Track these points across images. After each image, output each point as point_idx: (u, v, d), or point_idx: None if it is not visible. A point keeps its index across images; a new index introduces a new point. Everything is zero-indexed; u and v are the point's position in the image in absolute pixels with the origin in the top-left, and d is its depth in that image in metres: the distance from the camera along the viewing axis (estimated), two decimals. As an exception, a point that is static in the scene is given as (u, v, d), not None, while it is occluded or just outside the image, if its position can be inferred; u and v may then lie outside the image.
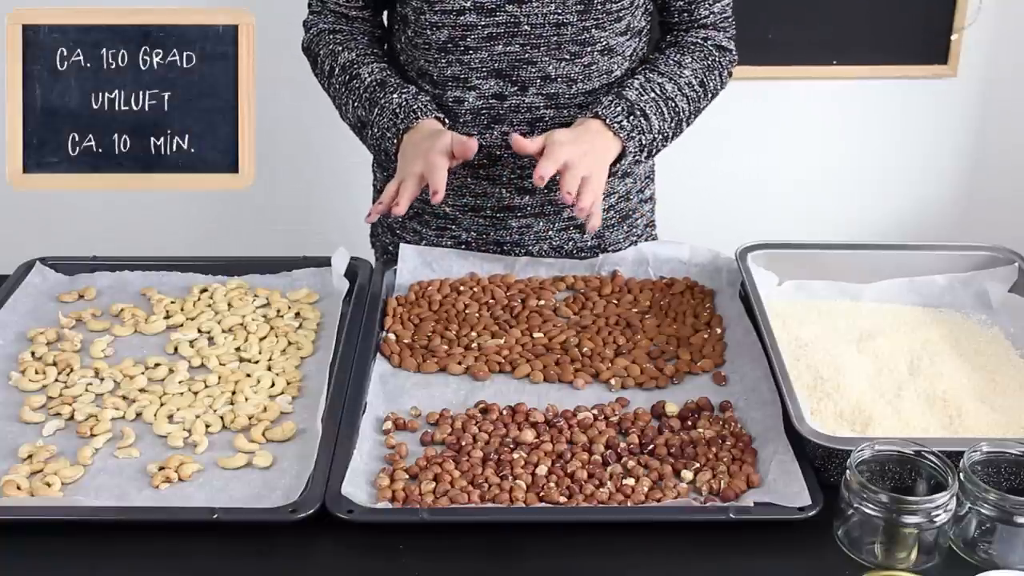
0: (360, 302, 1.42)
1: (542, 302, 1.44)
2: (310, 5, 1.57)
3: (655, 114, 1.45)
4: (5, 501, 1.10)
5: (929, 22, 2.51)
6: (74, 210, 2.62)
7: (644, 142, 1.45)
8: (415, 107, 1.43)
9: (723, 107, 2.56)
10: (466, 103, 1.47)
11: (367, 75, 1.47)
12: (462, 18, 1.43)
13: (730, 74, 1.56)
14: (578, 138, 1.37)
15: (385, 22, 1.58)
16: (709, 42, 1.52)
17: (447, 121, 1.45)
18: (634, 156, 1.44)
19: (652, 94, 1.45)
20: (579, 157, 1.34)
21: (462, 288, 1.46)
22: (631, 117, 1.42)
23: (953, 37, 2.52)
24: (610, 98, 1.44)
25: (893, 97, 2.61)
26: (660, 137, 1.47)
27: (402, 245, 1.52)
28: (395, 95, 1.44)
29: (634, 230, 1.63)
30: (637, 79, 1.47)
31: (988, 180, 2.73)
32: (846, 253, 1.48)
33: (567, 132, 1.38)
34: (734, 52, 1.56)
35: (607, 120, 1.41)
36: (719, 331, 1.38)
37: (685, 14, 1.52)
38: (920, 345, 1.34)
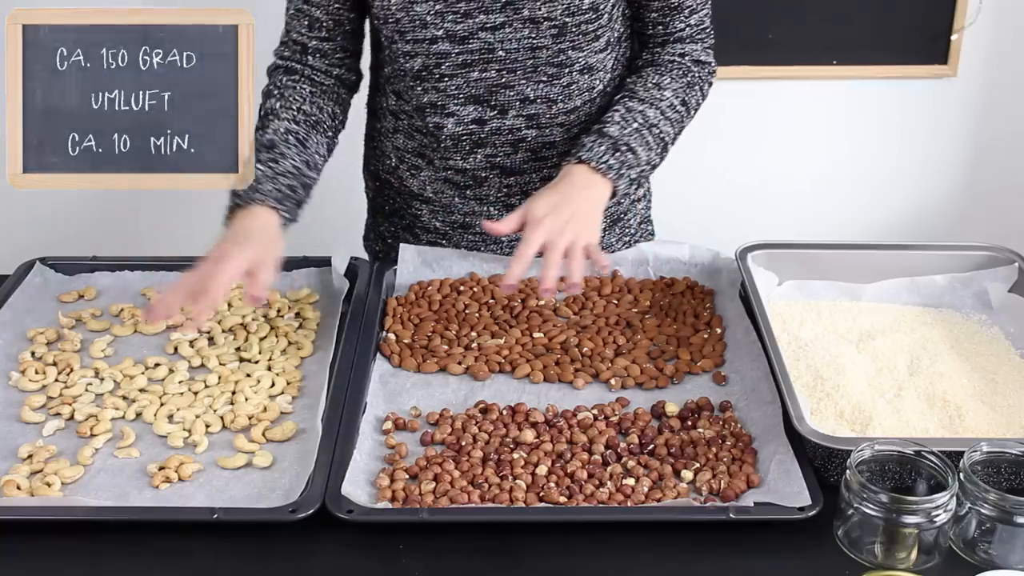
0: (360, 302, 1.42)
1: (542, 302, 1.44)
2: (281, 34, 1.51)
3: (641, 145, 1.40)
4: (5, 501, 1.10)
5: (929, 22, 2.51)
6: (74, 210, 2.62)
7: (633, 176, 1.40)
8: (261, 188, 1.34)
9: (723, 107, 2.57)
10: (445, 129, 1.46)
11: (271, 131, 1.42)
12: (435, 47, 1.40)
13: (710, 85, 1.51)
14: (559, 204, 1.31)
15: (356, 47, 1.51)
16: (687, 58, 1.47)
17: (289, 217, 1.36)
18: (626, 189, 1.40)
19: (635, 124, 1.40)
20: (559, 230, 1.28)
21: (462, 288, 1.46)
22: (616, 154, 1.37)
23: (953, 37, 2.52)
24: (592, 137, 1.39)
25: (893, 97, 2.61)
26: (649, 167, 1.43)
27: (402, 245, 1.52)
28: (260, 165, 1.37)
29: (627, 230, 1.62)
30: (618, 111, 1.42)
31: (988, 180, 2.73)
32: (846, 253, 1.48)
33: (547, 199, 1.32)
34: (713, 64, 1.50)
35: (592, 163, 1.36)
36: (719, 331, 1.38)
37: (660, 27, 1.47)
38: (920, 345, 1.34)
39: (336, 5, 1.44)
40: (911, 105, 2.63)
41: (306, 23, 1.46)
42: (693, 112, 1.49)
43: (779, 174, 2.71)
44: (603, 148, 1.37)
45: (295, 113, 1.45)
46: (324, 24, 1.45)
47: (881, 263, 1.46)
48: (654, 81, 1.45)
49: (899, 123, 2.65)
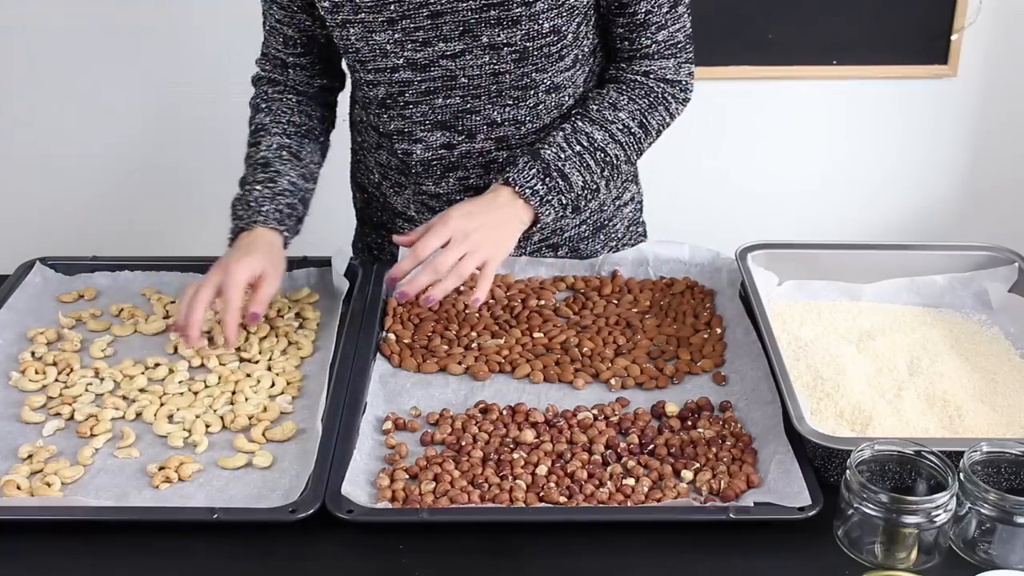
0: (360, 302, 1.42)
1: (542, 302, 1.44)
2: (262, 44, 1.51)
3: (578, 170, 1.37)
4: (5, 501, 1.10)
5: (929, 22, 2.51)
6: (74, 210, 2.62)
7: (565, 201, 1.37)
8: (262, 209, 1.37)
9: (723, 107, 2.58)
10: (414, 155, 1.45)
11: (264, 147, 1.43)
12: (397, 75, 1.39)
13: (684, 102, 1.46)
14: (474, 212, 1.31)
15: (335, 57, 1.51)
16: (652, 77, 1.43)
17: (290, 235, 1.40)
18: (556, 216, 1.38)
19: (577, 148, 1.38)
20: (465, 233, 1.28)
21: (462, 288, 1.46)
22: (547, 179, 1.35)
23: (953, 37, 2.52)
24: (525, 159, 1.37)
25: (893, 97, 2.62)
26: (588, 191, 1.40)
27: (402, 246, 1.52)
28: (258, 186, 1.39)
29: (613, 234, 1.60)
30: (562, 131, 1.39)
31: (988, 180, 2.73)
32: (846, 253, 1.48)
33: (464, 206, 1.32)
34: (686, 81, 1.45)
35: (517, 187, 1.34)
36: (719, 331, 1.38)
37: (626, 43, 1.42)
38: (920, 345, 1.34)
39: (307, 23, 1.43)
40: (911, 105, 2.63)
41: (281, 40, 1.47)
42: (655, 133, 1.45)
43: (779, 174, 2.71)
44: (532, 172, 1.36)
45: (285, 126, 1.46)
46: (298, 41, 1.46)
47: (881, 263, 1.46)
48: (611, 100, 1.42)
49: (899, 123, 2.66)
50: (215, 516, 1.07)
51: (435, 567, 1.05)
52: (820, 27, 2.51)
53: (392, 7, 1.34)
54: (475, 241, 1.28)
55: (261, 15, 1.48)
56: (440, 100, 1.40)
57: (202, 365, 1.33)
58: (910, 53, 2.55)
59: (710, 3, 2.41)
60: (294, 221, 1.40)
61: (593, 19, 1.42)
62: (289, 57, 1.48)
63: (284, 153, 1.43)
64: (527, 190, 1.34)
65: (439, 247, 1.28)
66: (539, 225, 1.37)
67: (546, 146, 1.38)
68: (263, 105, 1.48)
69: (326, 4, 1.35)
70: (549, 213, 1.37)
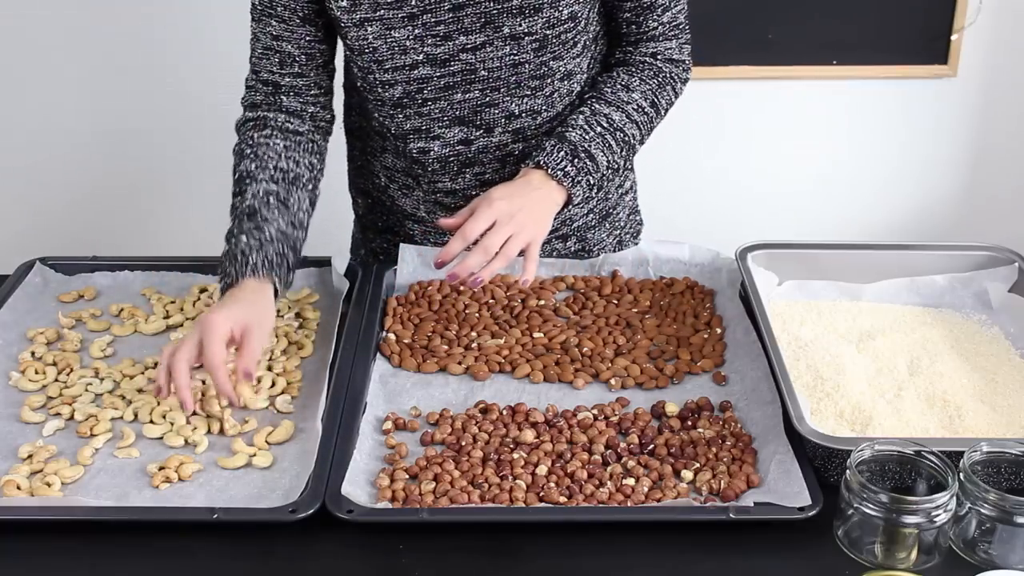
0: (360, 302, 1.42)
1: (542, 302, 1.44)
2: (246, 80, 1.45)
3: (602, 150, 1.40)
4: (5, 501, 1.10)
5: (929, 22, 2.51)
6: (74, 210, 2.62)
7: (593, 181, 1.40)
8: (249, 261, 1.29)
9: (723, 107, 2.59)
10: (431, 153, 1.45)
11: (251, 195, 1.35)
12: (415, 72, 1.38)
13: (685, 81, 1.50)
14: (514, 194, 1.33)
15: (328, 84, 1.47)
16: (659, 57, 1.46)
17: (282, 284, 1.32)
18: (584, 195, 1.41)
19: (598, 129, 1.41)
20: (509, 214, 1.30)
21: (462, 288, 1.46)
22: (576, 160, 1.38)
23: (953, 37, 2.52)
24: (552, 142, 1.39)
25: (893, 97, 2.62)
26: (611, 170, 1.44)
27: (402, 245, 1.52)
28: (244, 236, 1.31)
29: (617, 223, 1.62)
30: (582, 114, 1.42)
31: (988, 180, 2.73)
32: (846, 253, 1.48)
33: (502, 188, 1.34)
34: (687, 61, 1.50)
35: (549, 169, 1.37)
36: (719, 331, 1.38)
37: (633, 27, 1.45)
38: (920, 345, 1.34)
39: (308, 38, 1.40)
40: (911, 105, 2.63)
41: (277, 61, 1.41)
42: (664, 112, 1.49)
43: (779, 174, 2.71)
44: (562, 154, 1.38)
45: (272, 172, 1.38)
46: (296, 59, 1.41)
47: (881, 263, 1.46)
48: (623, 82, 1.45)
49: (899, 123, 2.66)
50: (215, 516, 1.07)
51: (435, 567, 1.05)
52: (820, 27, 2.51)
53: (413, 2, 1.34)
54: (519, 222, 1.30)
55: (249, 44, 1.43)
56: (459, 95, 1.40)
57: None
58: (910, 53, 2.55)
59: (710, 3, 2.41)
60: (284, 270, 1.32)
61: (597, 6, 1.44)
62: (284, 78, 1.42)
63: (271, 200, 1.35)
64: (559, 171, 1.37)
65: (486, 229, 1.29)
66: (569, 206, 1.40)
67: (569, 129, 1.41)
68: (248, 151, 1.40)
69: (343, 3, 1.35)
70: (579, 193, 1.39)
